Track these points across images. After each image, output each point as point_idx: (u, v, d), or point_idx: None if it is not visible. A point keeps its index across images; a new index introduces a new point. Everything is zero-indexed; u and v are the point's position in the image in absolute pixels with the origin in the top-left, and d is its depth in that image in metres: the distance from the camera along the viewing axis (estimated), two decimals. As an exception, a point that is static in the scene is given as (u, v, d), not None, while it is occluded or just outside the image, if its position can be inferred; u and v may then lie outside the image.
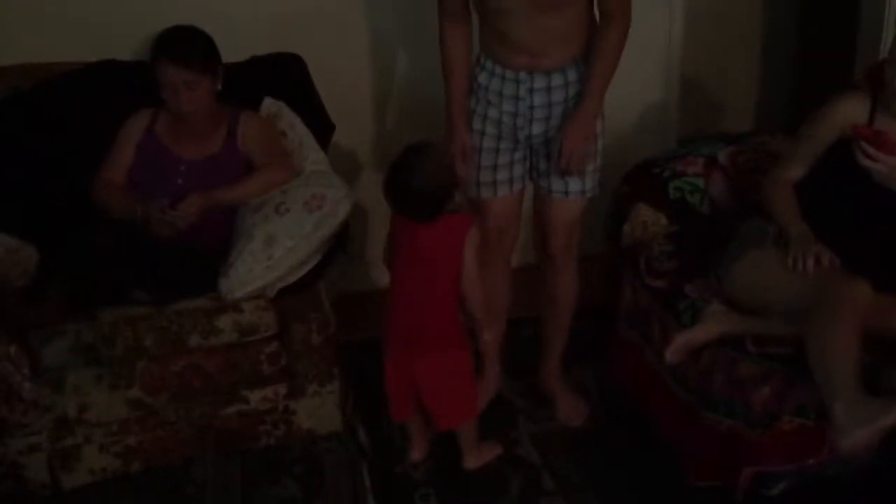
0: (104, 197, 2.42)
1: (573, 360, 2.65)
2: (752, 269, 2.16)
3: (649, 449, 2.37)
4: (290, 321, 2.31)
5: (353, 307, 2.72)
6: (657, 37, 3.09)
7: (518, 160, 2.32)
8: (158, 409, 2.28)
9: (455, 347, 2.17)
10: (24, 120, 2.49)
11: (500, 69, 2.20)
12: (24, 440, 2.20)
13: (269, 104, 2.61)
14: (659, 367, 2.29)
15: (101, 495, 2.28)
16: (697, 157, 2.62)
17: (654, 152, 2.73)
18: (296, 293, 2.33)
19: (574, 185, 2.30)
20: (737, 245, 2.25)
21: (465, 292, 2.12)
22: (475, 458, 2.34)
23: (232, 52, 2.50)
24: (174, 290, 2.28)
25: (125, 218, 2.34)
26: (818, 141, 2.23)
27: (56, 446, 2.24)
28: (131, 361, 2.22)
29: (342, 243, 2.44)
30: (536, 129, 2.24)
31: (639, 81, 3.08)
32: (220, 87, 2.44)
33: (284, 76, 2.66)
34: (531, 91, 2.19)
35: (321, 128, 2.64)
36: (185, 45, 2.36)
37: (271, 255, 2.25)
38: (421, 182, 2.02)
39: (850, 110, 2.19)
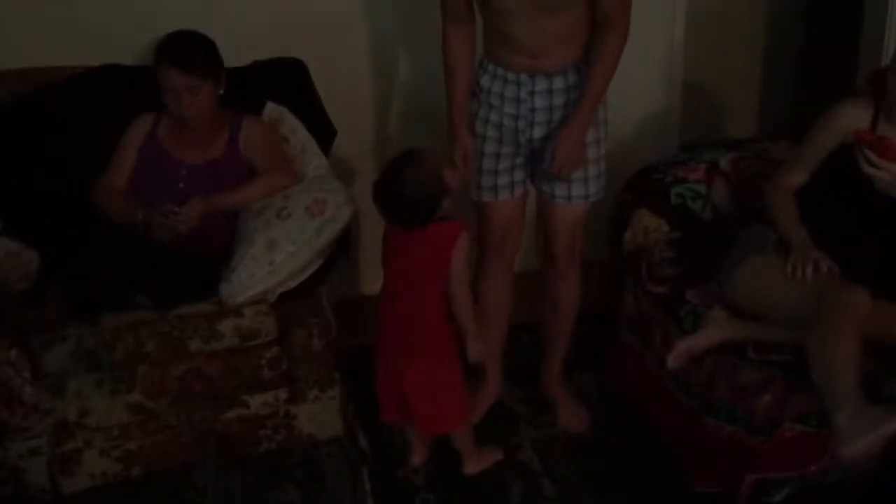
0: (106, 201, 2.42)
1: (574, 366, 2.64)
2: (752, 276, 2.16)
3: (651, 455, 2.37)
4: (291, 326, 2.31)
5: (354, 312, 2.72)
6: (659, 42, 3.09)
7: (519, 165, 2.31)
8: (159, 413, 2.28)
9: (443, 357, 2.16)
10: (26, 124, 2.49)
11: (501, 71, 2.20)
12: (24, 444, 2.20)
13: (271, 109, 2.61)
14: (660, 374, 2.28)
15: (102, 500, 2.28)
16: (699, 163, 2.62)
17: (655, 158, 2.73)
18: (297, 298, 2.33)
19: (577, 189, 2.30)
20: (738, 251, 2.25)
21: (452, 299, 2.11)
22: (475, 463, 2.33)
23: (234, 56, 2.50)
24: (175, 295, 2.28)
25: (127, 222, 2.34)
26: (820, 147, 2.23)
27: (56, 451, 2.24)
28: (132, 366, 2.22)
29: (344, 248, 2.44)
30: (538, 132, 2.24)
31: (641, 87, 3.08)
32: (222, 91, 2.44)
33: (286, 81, 2.67)
34: (532, 93, 2.19)
35: (323, 133, 2.64)
36: (188, 49, 2.36)
37: (273, 259, 2.25)
38: (409, 189, 2.02)
39: (853, 116, 2.19)
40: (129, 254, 2.26)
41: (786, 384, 1.98)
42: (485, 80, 2.24)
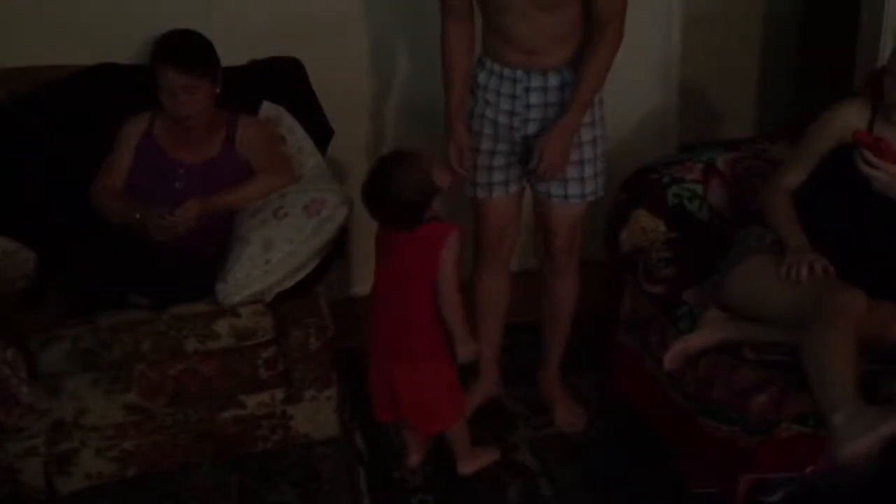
0: (103, 201, 2.41)
1: (572, 367, 2.64)
2: (749, 277, 2.16)
3: (647, 456, 2.37)
4: (288, 326, 2.30)
5: (351, 312, 2.72)
6: (657, 43, 3.09)
7: (514, 163, 2.32)
8: (155, 413, 2.28)
9: (434, 356, 2.15)
10: (23, 123, 2.49)
11: (498, 67, 2.21)
12: (20, 444, 2.20)
13: (267, 108, 2.60)
14: (657, 374, 2.28)
15: (98, 500, 2.28)
16: (696, 163, 2.62)
17: (653, 158, 2.73)
18: (294, 298, 2.33)
19: (573, 189, 2.30)
20: (735, 252, 2.25)
21: (440, 299, 2.10)
22: (470, 463, 2.33)
23: (231, 55, 2.49)
24: (172, 295, 2.28)
25: (124, 223, 2.34)
26: (817, 148, 2.23)
27: (52, 451, 2.23)
28: (128, 366, 2.22)
29: (341, 248, 2.44)
30: (532, 129, 2.24)
31: (639, 87, 3.08)
32: (219, 91, 2.44)
33: (283, 80, 2.66)
34: (528, 90, 2.20)
35: (320, 132, 2.64)
36: (185, 48, 2.36)
37: (269, 259, 2.25)
38: (397, 190, 2.01)
39: (850, 117, 2.19)
40: (126, 253, 2.26)
41: (782, 385, 1.98)
42: (482, 77, 2.26)
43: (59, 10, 2.57)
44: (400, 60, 2.90)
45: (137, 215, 2.32)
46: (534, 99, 2.21)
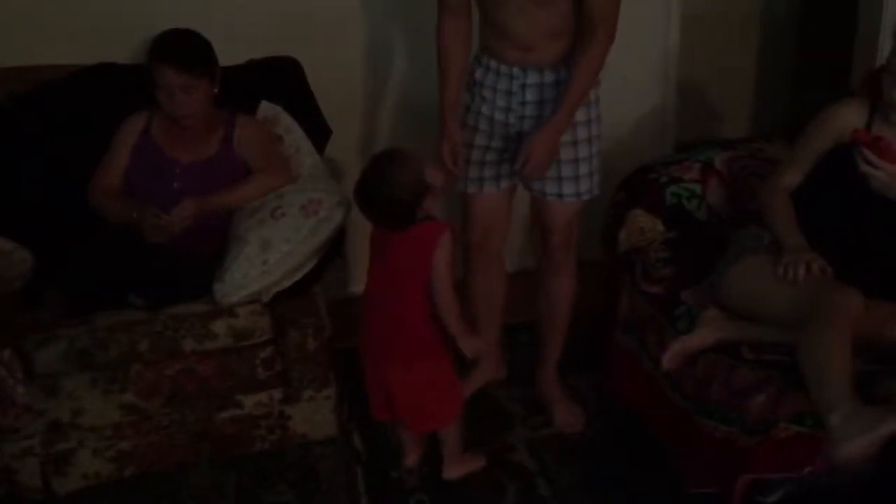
0: (100, 201, 2.41)
1: (570, 367, 2.64)
2: (746, 276, 2.16)
3: (646, 456, 2.37)
4: (286, 326, 2.30)
5: (349, 312, 2.71)
6: (655, 42, 3.09)
7: (507, 159, 2.32)
8: (152, 413, 2.28)
9: (428, 355, 2.14)
10: (22, 123, 2.48)
11: (494, 64, 2.22)
12: (16, 444, 2.19)
13: (265, 108, 2.60)
14: (655, 374, 2.28)
15: (95, 500, 2.28)
16: (694, 162, 2.62)
17: (651, 157, 2.73)
18: (291, 298, 2.32)
19: (568, 188, 2.30)
20: (733, 251, 2.25)
21: (434, 298, 2.09)
22: (456, 467, 2.31)
23: (229, 55, 2.49)
24: (169, 295, 2.28)
25: (122, 222, 2.33)
26: (815, 147, 2.23)
27: (49, 451, 2.23)
28: (125, 366, 2.22)
29: (339, 248, 2.44)
30: (527, 126, 2.24)
31: (636, 87, 3.08)
32: (217, 90, 2.43)
33: (281, 80, 2.66)
34: (524, 87, 2.21)
35: (318, 132, 2.64)
36: (183, 48, 2.35)
37: (266, 259, 2.25)
38: (389, 190, 2.01)
39: (849, 117, 2.19)
40: (123, 253, 2.26)
41: (780, 385, 1.98)
42: (479, 73, 2.27)
43: (57, 9, 2.56)
44: (399, 60, 2.90)
45: (135, 214, 2.32)
46: (530, 96, 2.22)
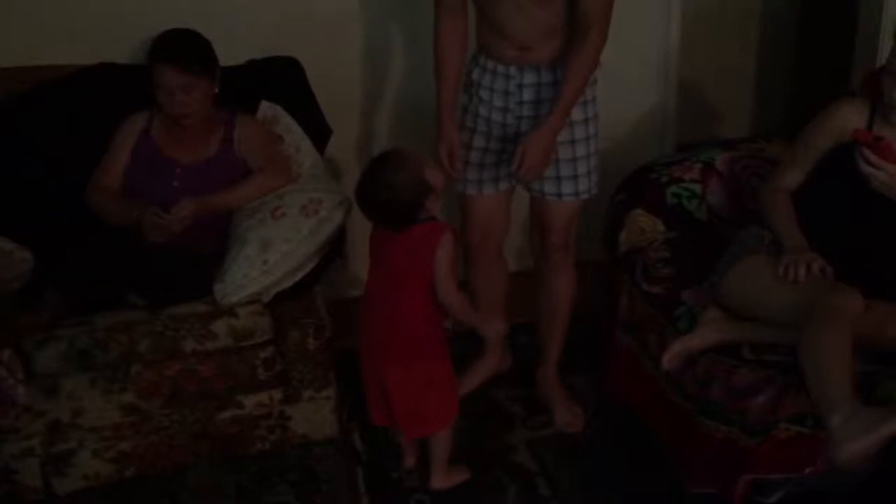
0: (100, 202, 2.41)
1: (570, 367, 2.64)
2: (746, 277, 2.16)
3: (646, 456, 2.36)
4: (286, 326, 2.30)
5: (349, 312, 2.71)
6: (655, 42, 3.09)
7: (505, 161, 2.32)
8: (153, 414, 2.28)
9: (427, 359, 2.14)
10: (21, 123, 2.48)
11: (491, 64, 2.23)
12: (17, 445, 2.19)
13: (266, 108, 2.60)
14: (656, 374, 2.28)
15: (95, 501, 2.27)
16: (695, 162, 2.62)
17: (651, 157, 2.73)
18: (292, 298, 2.32)
19: (567, 187, 2.30)
20: (733, 252, 2.25)
21: (441, 298, 2.09)
22: (442, 478, 2.30)
23: (229, 55, 2.49)
24: (169, 295, 2.28)
25: (121, 223, 2.33)
26: (816, 147, 2.23)
27: (49, 451, 2.23)
28: (126, 366, 2.22)
29: (339, 248, 2.44)
30: (525, 126, 2.24)
31: (636, 86, 3.08)
32: (217, 90, 2.43)
33: (282, 80, 2.66)
34: (521, 87, 2.21)
35: (318, 132, 2.64)
36: (183, 48, 2.35)
37: (266, 259, 2.24)
38: (390, 190, 2.01)
39: (849, 117, 2.18)
40: (123, 253, 2.25)
41: (781, 385, 1.98)
42: (476, 74, 2.27)
43: (57, 10, 2.56)
44: (399, 60, 2.90)
45: (134, 214, 2.32)
46: (527, 95, 2.22)
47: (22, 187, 2.43)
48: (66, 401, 2.19)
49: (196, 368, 2.26)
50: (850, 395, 1.79)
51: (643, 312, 2.39)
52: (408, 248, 2.06)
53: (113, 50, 2.59)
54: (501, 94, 2.24)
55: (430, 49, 2.25)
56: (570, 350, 2.59)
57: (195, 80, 2.34)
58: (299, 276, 2.33)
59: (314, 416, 2.41)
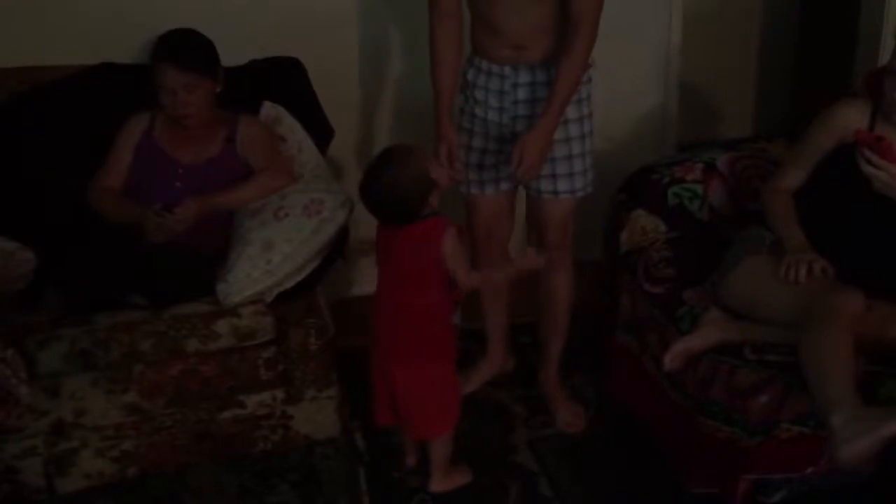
0: (102, 202, 2.41)
1: (572, 368, 2.64)
2: (748, 277, 2.16)
3: (647, 456, 2.37)
4: (289, 326, 2.30)
5: (351, 312, 2.71)
6: (656, 42, 3.08)
7: (504, 161, 2.32)
8: (155, 413, 2.28)
9: (435, 359, 2.14)
10: (23, 123, 2.48)
11: (486, 64, 2.24)
12: (19, 444, 2.19)
13: (268, 108, 2.60)
14: (657, 375, 2.28)
15: (97, 500, 2.27)
16: (696, 163, 2.62)
17: (653, 158, 2.73)
18: (294, 298, 2.32)
19: (563, 185, 2.31)
20: (734, 252, 2.25)
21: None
22: (443, 481, 2.29)
23: (231, 55, 2.49)
24: (171, 295, 2.28)
25: (123, 223, 2.33)
26: (817, 148, 2.23)
27: (52, 451, 2.23)
28: (128, 366, 2.22)
29: (341, 248, 2.44)
30: (521, 126, 2.25)
31: (638, 87, 3.08)
32: (219, 90, 2.43)
33: (284, 80, 2.66)
34: (516, 86, 2.22)
35: (320, 132, 2.64)
36: (185, 48, 2.36)
37: (269, 259, 2.25)
38: (393, 187, 2.01)
39: (850, 117, 2.19)
40: (125, 253, 2.26)
41: (782, 385, 1.98)
42: (471, 75, 2.28)
43: (58, 10, 2.56)
44: (399, 60, 2.90)
45: (137, 213, 2.32)
46: (522, 95, 2.23)
47: (23, 187, 2.44)
48: (68, 401, 2.20)
49: (198, 368, 2.26)
50: (852, 395, 1.79)
51: (644, 312, 2.39)
52: (412, 246, 2.06)
53: (114, 50, 2.59)
54: (497, 94, 2.25)
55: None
56: (571, 350, 2.59)
57: (198, 79, 2.35)
58: (302, 276, 2.33)
59: (316, 416, 2.41)
